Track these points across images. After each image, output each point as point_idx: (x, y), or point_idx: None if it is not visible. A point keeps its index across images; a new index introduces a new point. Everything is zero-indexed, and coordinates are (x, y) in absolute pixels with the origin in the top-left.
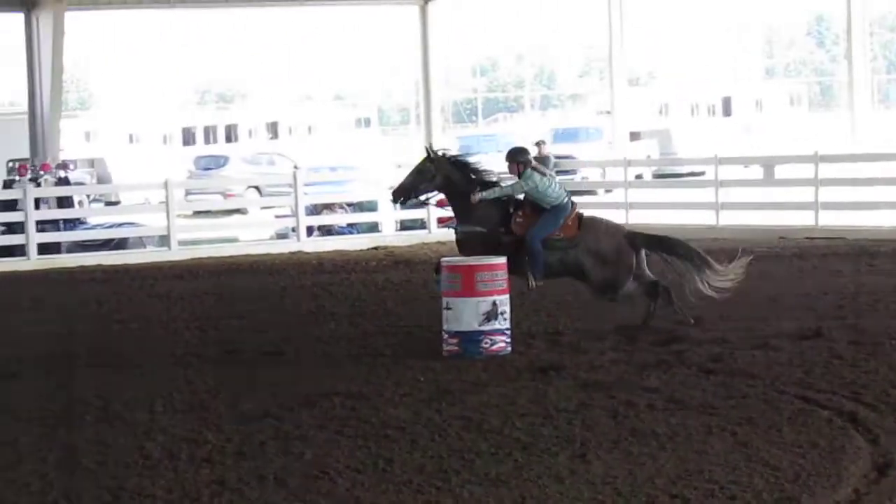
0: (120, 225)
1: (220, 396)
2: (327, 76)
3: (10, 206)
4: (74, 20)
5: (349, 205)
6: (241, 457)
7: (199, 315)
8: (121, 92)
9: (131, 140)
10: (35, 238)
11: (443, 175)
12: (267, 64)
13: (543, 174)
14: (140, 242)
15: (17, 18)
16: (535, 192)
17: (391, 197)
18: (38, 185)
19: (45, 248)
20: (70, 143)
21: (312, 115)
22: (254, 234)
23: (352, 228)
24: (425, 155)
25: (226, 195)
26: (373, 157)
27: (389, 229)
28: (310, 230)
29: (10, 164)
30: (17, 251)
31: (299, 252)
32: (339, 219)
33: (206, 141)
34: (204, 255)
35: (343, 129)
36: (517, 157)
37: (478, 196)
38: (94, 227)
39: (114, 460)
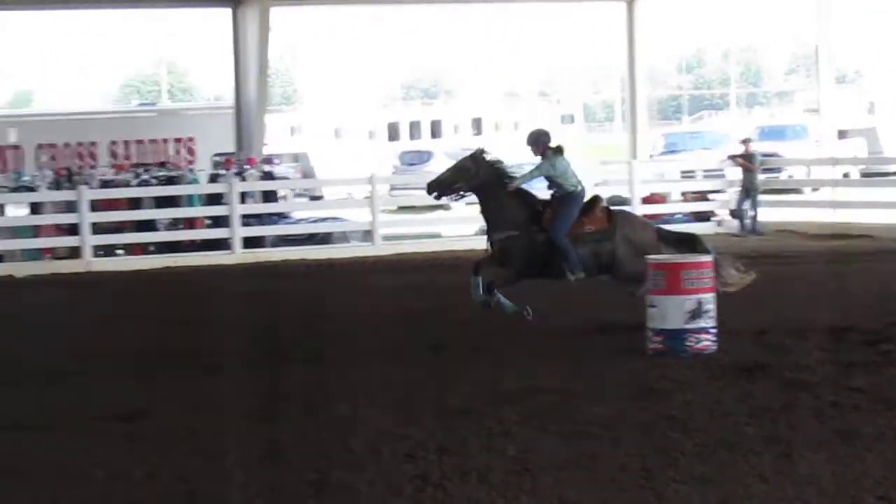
0: (324, 220)
1: (424, 392)
2: (532, 72)
3: (216, 199)
4: (280, 15)
5: None
6: (444, 452)
7: (403, 310)
8: (326, 87)
9: (336, 135)
10: (240, 232)
11: (481, 177)
12: (472, 59)
13: (563, 157)
14: (344, 237)
15: (225, 13)
16: (556, 173)
17: (426, 188)
18: (244, 179)
19: (249, 242)
20: (275, 137)
21: (517, 111)
22: (457, 230)
23: None
24: (470, 153)
25: None
26: (577, 154)
27: None
28: None
29: (216, 159)
30: (223, 245)
31: None
32: None
33: (411, 136)
34: (407, 250)
35: (547, 126)
36: (540, 140)
37: (512, 185)
38: (298, 221)
39: (316, 454)
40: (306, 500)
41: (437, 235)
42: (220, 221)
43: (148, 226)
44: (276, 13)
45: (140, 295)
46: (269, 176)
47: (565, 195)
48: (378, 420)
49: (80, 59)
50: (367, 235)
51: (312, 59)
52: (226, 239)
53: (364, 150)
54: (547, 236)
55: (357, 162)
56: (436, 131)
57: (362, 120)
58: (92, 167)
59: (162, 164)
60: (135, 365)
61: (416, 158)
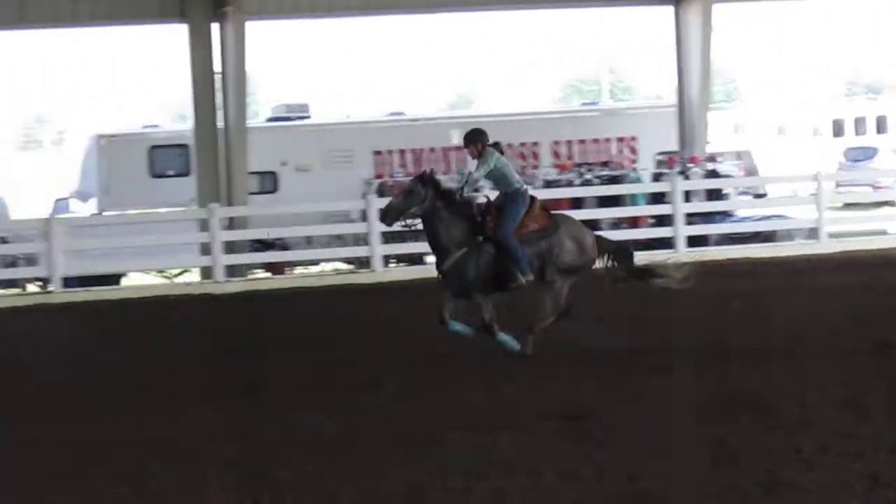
0: (768, 218)
1: (873, 390)
2: None
3: (660, 198)
4: (723, 12)
5: None
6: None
7: (849, 308)
8: (768, 84)
9: (779, 132)
10: (683, 231)
11: (431, 200)
12: None
13: (503, 153)
14: (788, 235)
15: (667, 12)
16: (497, 172)
17: (379, 216)
18: (687, 177)
19: (693, 241)
20: (717, 135)
21: None
22: None
23: None
24: (418, 176)
25: (875, 187)
26: None
27: None
28: None
29: (660, 157)
30: (666, 244)
31: None
32: None
33: (856, 132)
34: (854, 247)
35: None
36: (475, 139)
37: (465, 190)
38: (742, 219)
39: (766, 453)
40: (756, 499)
41: (884, 232)
42: (663, 220)
43: (590, 225)
44: (718, 10)
45: (590, 293)
46: (712, 174)
47: (510, 194)
48: (827, 419)
49: (522, 60)
50: (813, 233)
51: (754, 56)
52: (669, 237)
53: (808, 147)
54: (491, 244)
55: (801, 159)
56: (881, 127)
57: (806, 117)
58: (535, 167)
59: (605, 164)
60: (584, 364)
61: (861, 155)
